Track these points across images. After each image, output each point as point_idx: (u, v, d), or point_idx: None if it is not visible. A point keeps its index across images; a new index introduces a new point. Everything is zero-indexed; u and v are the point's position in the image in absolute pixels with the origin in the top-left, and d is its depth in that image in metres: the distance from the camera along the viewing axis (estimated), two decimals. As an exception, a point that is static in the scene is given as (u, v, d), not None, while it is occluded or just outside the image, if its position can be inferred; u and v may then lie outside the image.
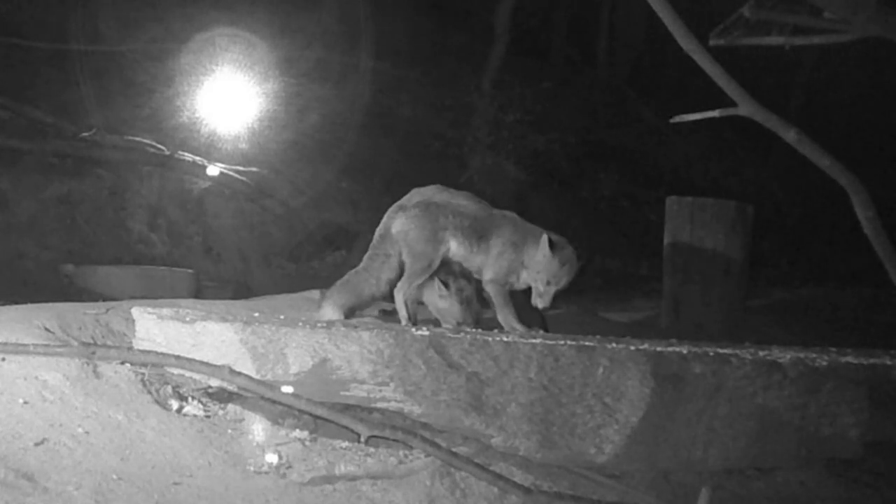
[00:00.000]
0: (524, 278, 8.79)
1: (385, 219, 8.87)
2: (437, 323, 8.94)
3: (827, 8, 8.19)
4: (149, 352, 6.93)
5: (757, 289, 10.28)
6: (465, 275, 8.98)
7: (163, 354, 6.86)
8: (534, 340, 7.37)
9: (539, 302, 8.81)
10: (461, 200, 9.00)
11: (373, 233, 8.89)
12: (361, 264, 8.98)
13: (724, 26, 8.70)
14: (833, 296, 12.50)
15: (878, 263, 8.11)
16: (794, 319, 11.67)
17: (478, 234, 8.71)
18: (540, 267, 8.68)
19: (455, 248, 8.67)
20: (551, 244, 8.53)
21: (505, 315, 8.76)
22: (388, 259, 8.84)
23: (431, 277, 8.84)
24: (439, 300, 8.85)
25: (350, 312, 8.74)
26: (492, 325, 8.69)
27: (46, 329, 7.44)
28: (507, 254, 8.65)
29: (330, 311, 8.66)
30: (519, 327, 8.64)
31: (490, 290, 8.80)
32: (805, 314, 11.90)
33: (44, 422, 6.29)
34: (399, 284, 8.63)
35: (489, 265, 8.68)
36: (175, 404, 7.12)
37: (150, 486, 5.93)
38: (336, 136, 18.37)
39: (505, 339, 7.38)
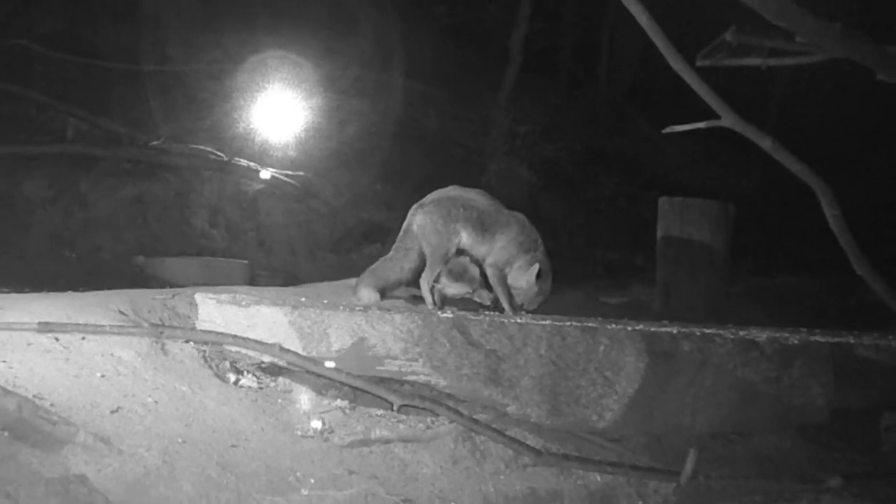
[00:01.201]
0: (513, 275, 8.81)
1: (408, 216, 8.87)
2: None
3: (798, 33, 8.19)
4: (209, 332, 6.94)
5: (738, 277, 10.28)
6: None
7: (221, 334, 6.87)
8: (543, 322, 7.40)
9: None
10: (472, 195, 9.06)
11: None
12: (389, 254, 9.02)
13: (709, 49, 8.73)
14: (804, 283, 12.51)
15: (842, 254, 8.15)
16: (770, 303, 11.67)
17: (484, 227, 8.73)
18: (519, 285, 8.75)
19: (465, 237, 8.66)
20: (539, 274, 8.60)
21: (500, 294, 8.78)
22: (409, 252, 8.89)
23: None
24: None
25: (382, 293, 8.75)
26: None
27: (121, 312, 7.43)
28: (509, 249, 8.67)
29: (366, 293, 8.71)
30: (508, 307, 8.66)
31: (489, 272, 8.85)
32: (780, 299, 11.90)
33: (118, 393, 6.28)
34: (423, 274, 8.64)
35: (492, 253, 8.68)
36: (232, 377, 7.13)
37: (210, 448, 5.93)
38: (371, 145, 18.41)
39: (518, 321, 7.43)
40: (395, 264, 8.96)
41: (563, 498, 6.18)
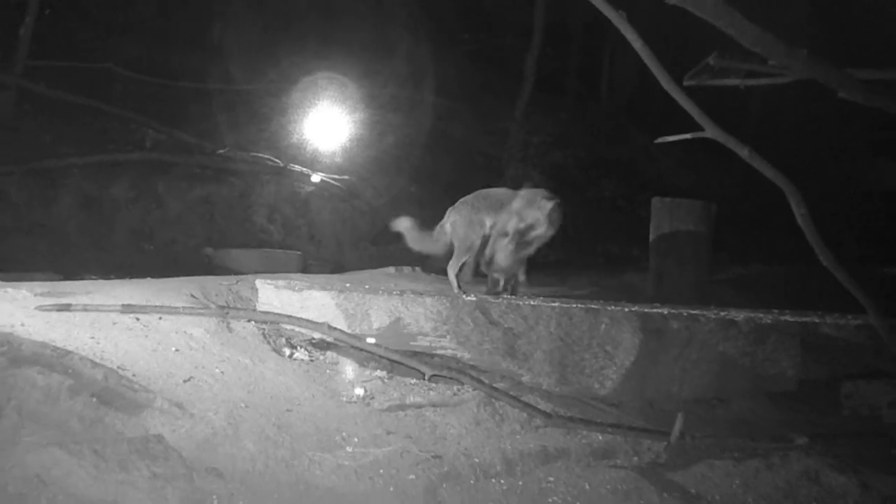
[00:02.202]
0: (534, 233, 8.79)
1: (445, 217, 8.89)
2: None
3: (771, 58, 8.22)
4: (268, 312, 6.96)
5: (719, 266, 10.26)
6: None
7: (278, 314, 6.90)
8: (553, 304, 7.43)
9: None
10: (495, 190, 9.13)
11: (433, 225, 8.92)
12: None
13: (695, 71, 8.76)
14: (776, 271, 12.48)
15: (809, 246, 8.15)
16: (746, 289, 11.65)
17: (503, 204, 8.67)
18: (536, 220, 8.71)
19: (490, 222, 8.63)
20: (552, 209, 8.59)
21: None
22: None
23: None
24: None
25: None
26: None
27: (192, 296, 7.46)
28: (522, 207, 8.62)
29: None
30: (500, 277, 8.76)
31: (502, 243, 8.76)
32: (755, 285, 11.87)
33: (190, 364, 6.30)
34: (450, 262, 8.62)
35: (510, 221, 8.66)
36: (287, 351, 7.17)
37: (269, 412, 5.95)
38: (406, 153, 18.46)
39: (532, 303, 7.44)
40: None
41: (570, 454, 6.18)
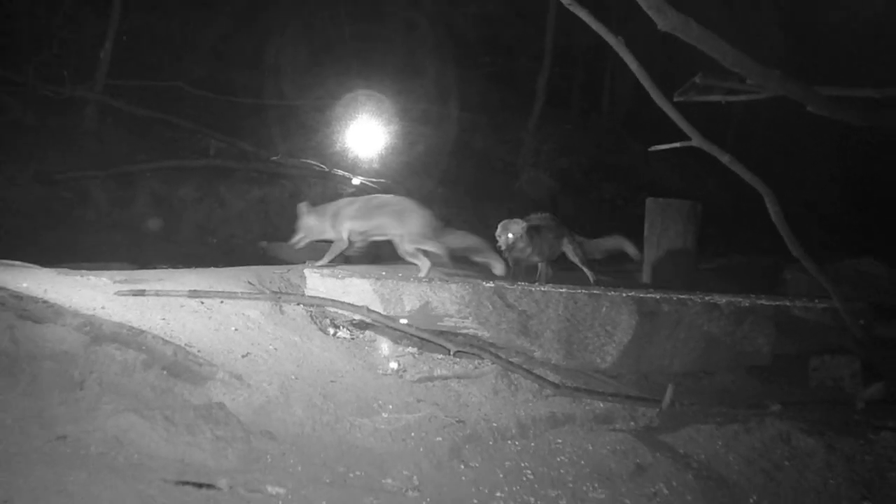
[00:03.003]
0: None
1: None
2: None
3: (748, 77, 8.26)
4: (315, 297, 6.95)
5: (704, 257, 10.26)
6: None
7: (323, 298, 6.90)
8: (560, 290, 7.45)
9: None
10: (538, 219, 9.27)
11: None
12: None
13: (683, 88, 8.83)
14: (753, 261, 12.49)
15: (781, 240, 8.21)
16: (728, 276, 11.63)
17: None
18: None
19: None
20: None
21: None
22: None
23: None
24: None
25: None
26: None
27: (249, 282, 7.47)
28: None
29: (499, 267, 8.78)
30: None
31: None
32: (735, 273, 11.86)
33: (247, 342, 6.31)
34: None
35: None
36: (332, 331, 7.18)
37: (315, 383, 5.97)
38: (434, 160, 18.55)
39: (542, 289, 7.46)
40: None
41: (576, 419, 6.19)
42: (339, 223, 8.83)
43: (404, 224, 8.54)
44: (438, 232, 8.60)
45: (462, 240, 8.78)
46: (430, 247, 8.52)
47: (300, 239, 8.98)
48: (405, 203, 8.91)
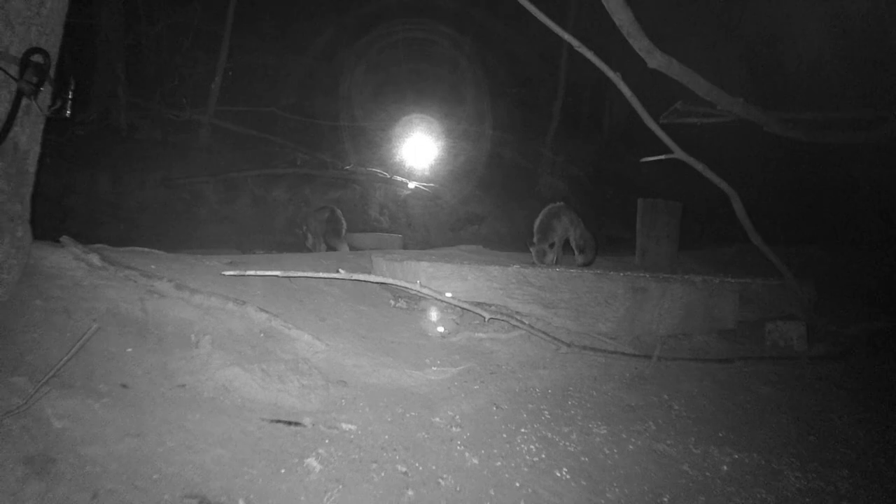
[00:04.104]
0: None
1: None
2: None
3: (718, 104, 8.32)
4: (378, 276, 6.92)
5: (684, 246, 10.24)
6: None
7: (385, 277, 6.86)
8: (571, 271, 7.44)
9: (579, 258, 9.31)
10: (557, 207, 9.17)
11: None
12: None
13: (667, 113, 9.08)
14: (723, 249, 12.43)
15: (745, 232, 8.29)
16: (703, 262, 11.59)
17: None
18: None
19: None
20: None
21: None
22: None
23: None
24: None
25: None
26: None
27: (328, 265, 7.47)
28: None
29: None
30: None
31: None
32: (708, 259, 11.82)
33: (326, 312, 6.32)
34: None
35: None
36: (393, 302, 7.15)
37: (380, 343, 5.98)
38: (472, 168, 18.76)
39: (557, 269, 7.40)
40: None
41: (583, 371, 6.20)
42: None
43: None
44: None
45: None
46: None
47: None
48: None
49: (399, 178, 17.14)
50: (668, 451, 5.11)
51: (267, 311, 5.74)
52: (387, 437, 4.53)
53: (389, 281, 6.59)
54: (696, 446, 5.24)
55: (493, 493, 4.14)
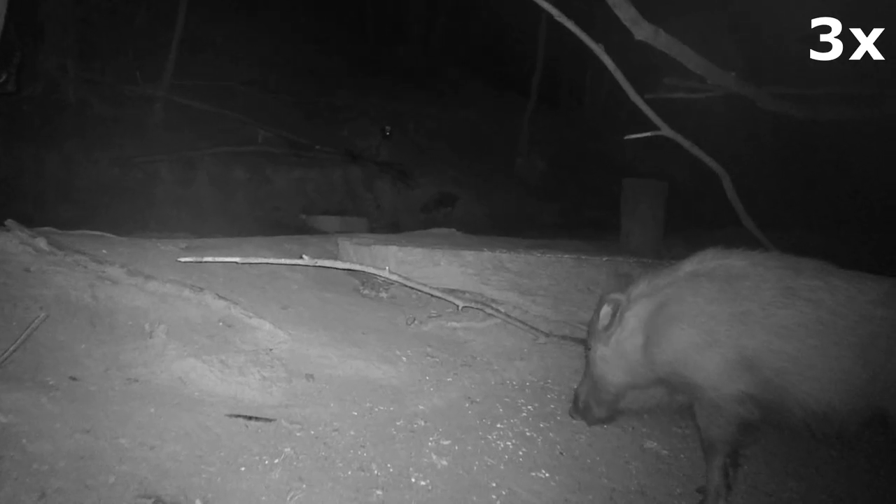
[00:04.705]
0: None
1: None
2: None
3: (708, 78, 8.32)
4: (345, 262, 6.90)
5: (669, 229, 10.24)
6: None
7: (353, 263, 6.84)
8: (548, 255, 7.39)
9: None
10: None
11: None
12: None
13: (654, 88, 8.89)
14: (712, 234, 12.45)
15: (736, 214, 8.30)
16: (691, 246, 11.62)
17: None
18: None
19: None
20: None
21: None
22: None
23: None
24: None
25: None
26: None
27: (291, 250, 7.42)
28: None
29: None
30: None
31: None
32: (697, 243, 11.84)
33: (289, 299, 6.32)
34: None
35: None
36: (361, 289, 7.17)
37: (347, 332, 5.98)
38: (447, 145, 18.77)
39: (536, 254, 7.41)
40: None
41: (562, 362, 6.21)
42: None
43: None
44: None
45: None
46: None
47: None
48: None
49: (366, 159, 17.12)
50: (657, 450, 5.13)
51: (226, 299, 5.73)
52: (353, 433, 4.54)
53: (357, 267, 6.59)
54: (686, 443, 5.26)
55: (467, 493, 4.14)
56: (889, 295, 4.13)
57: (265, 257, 6.45)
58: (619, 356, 4.67)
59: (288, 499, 3.75)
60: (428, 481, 4.16)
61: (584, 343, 5.02)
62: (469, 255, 7.15)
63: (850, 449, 5.50)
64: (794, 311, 4.16)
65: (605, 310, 4.72)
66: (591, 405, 4.87)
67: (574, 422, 5.13)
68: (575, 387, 5.12)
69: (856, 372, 4.04)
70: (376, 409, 4.93)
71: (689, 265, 4.69)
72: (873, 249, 10.52)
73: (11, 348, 4.36)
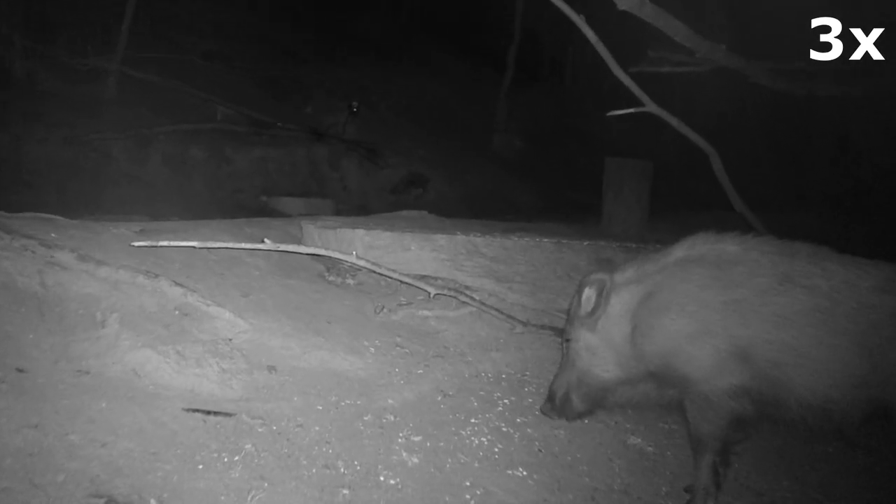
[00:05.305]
0: None
1: None
2: None
3: (697, 51, 8.33)
4: (310, 247, 6.87)
5: (654, 210, 10.26)
6: None
7: (318, 247, 6.82)
8: (526, 239, 7.39)
9: None
10: None
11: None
12: None
13: (639, 62, 8.88)
14: (701, 216, 12.50)
15: (725, 196, 8.33)
16: (678, 229, 11.65)
17: None
18: None
19: None
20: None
21: None
22: None
23: None
24: None
25: None
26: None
27: (252, 234, 7.39)
28: None
29: None
30: None
31: None
32: (684, 225, 11.88)
33: (250, 287, 6.29)
34: None
35: None
36: (327, 276, 7.13)
37: (311, 321, 5.96)
38: (417, 125, 18.72)
39: (513, 237, 7.41)
40: None
41: (542, 353, 6.23)
42: None
43: None
44: None
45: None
46: None
47: None
48: None
49: (334, 136, 17.11)
50: (642, 446, 5.15)
51: (183, 286, 5.71)
52: (318, 428, 4.54)
53: (322, 252, 6.57)
54: (672, 438, 5.28)
55: (439, 492, 4.15)
56: (889, 280, 4.12)
57: (224, 242, 6.42)
58: (608, 345, 4.60)
59: (249, 498, 3.75)
60: (398, 480, 4.17)
61: (563, 333, 4.97)
62: (441, 240, 7.13)
63: (849, 445, 5.52)
64: (790, 299, 4.14)
65: (588, 292, 4.65)
66: (573, 400, 4.77)
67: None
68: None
69: (856, 363, 4.01)
70: (342, 403, 4.93)
71: (680, 250, 4.62)
72: (869, 232, 10.57)
73: (-47, 339, 4.35)
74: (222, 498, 3.73)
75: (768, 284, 4.20)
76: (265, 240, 6.24)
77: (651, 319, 4.42)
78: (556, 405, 4.83)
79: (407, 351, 5.90)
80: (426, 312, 6.63)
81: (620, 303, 4.58)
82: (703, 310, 4.27)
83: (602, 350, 4.62)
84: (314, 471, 4.10)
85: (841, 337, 4.05)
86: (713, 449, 4.37)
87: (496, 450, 4.69)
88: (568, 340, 4.80)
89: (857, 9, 8.01)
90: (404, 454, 4.43)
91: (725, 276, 4.31)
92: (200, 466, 3.93)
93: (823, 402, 4.09)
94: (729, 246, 4.46)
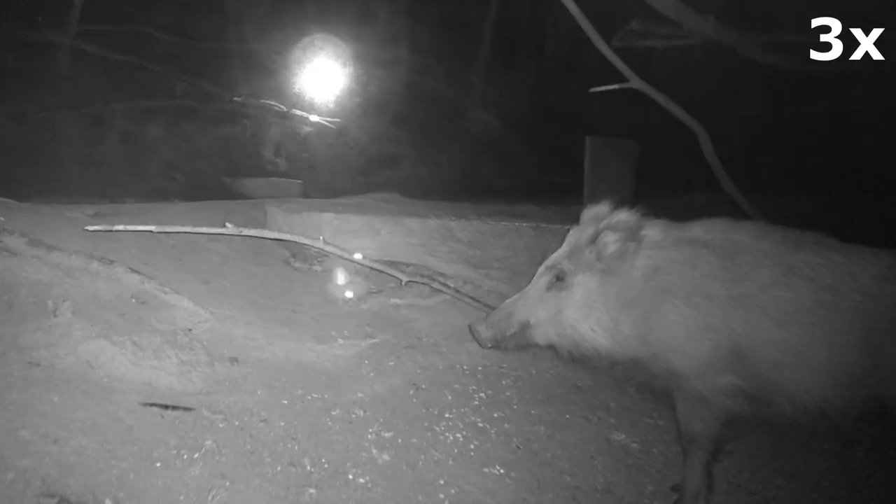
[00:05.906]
0: None
1: None
2: None
3: (683, 23, 8.35)
4: (274, 231, 6.86)
5: (640, 193, 10.29)
6: None
7: (283, 232, 6.81)
8: (504, 223, 7.41)
9: None
10: None
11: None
12: None
13: (621, 34, 8.98)
14: (689, 199, 12.54)
15: (714, 177, 8.37)
16: (664, 213, 11.68)
17: None
18: None
19: None
20: None
21: None
22: None
23: None
24: None
25: None
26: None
27: (214, 217, 7.38)
28: None
29: None
30: None
31: None
32: (671, 209, 11.91)
33: (210, 273, 6.29)
34: None
35: None
36: (293, 262, 7.11)
37: (276, 310, 6.00)
38: (386, 100, 18.56)
39: (489, 222, 7.41)
40: None
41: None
42: None
43: None
44: None
45: None
46: None
47: None
48: None
49: (298, 112, 17.09)
50: (626, 443, 5.17)
51: (140, 273, 5.69)
52: (283, 423, 4.53)
53: (287, 237, 6.57)
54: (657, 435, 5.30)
55: (412, 491, 4.16)
56: (892, 269, 4.10)
57: (184, 226, 6.40)
58: (607, 305, 4.37)
59: (209, 498, 3.74)
60: (367, 478, 4.17)
61: (552, 263, 4.90)
62: (414, 224, 7.14)
63: (846, 442, 5.53)
64: (794, 294, 4.06)
65: (612, 237, 4.50)
66: (531, 336, 4.59)
67: (530, 410, 5.18)
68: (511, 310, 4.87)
69: (857, 360, 3.97)
70: (309, 397, 4.93)
71: (698, 229, 4.45)
72: (867, 216, 10.60)
73: None
74: (181, 497, 3.72)
75: (773, 277, 4.11)
76: (227, 224, 6.22)
77: (654, 301, 4.24)
78: (497, 333, 4.64)
79: (377, 341, 5.91)
80: (397, 301, 6.64)
81: (638, 267, 4.38)
82: (707, 302, 4.14)
83: (599, 307, 4.38)
84: (279, 469, 4.09)
85: (844, 334, 3.99)
86: (706, 449, 4.25)
87: (472, 446, 4.70)
88: (560, 279, 4.69)
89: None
90: (374, 451, 4.44)
91: (735, 266, 4.19)
92: (158, 464, 3.92)
93: (820, 403, 4.05)
94: (743, 236, 4.32)
